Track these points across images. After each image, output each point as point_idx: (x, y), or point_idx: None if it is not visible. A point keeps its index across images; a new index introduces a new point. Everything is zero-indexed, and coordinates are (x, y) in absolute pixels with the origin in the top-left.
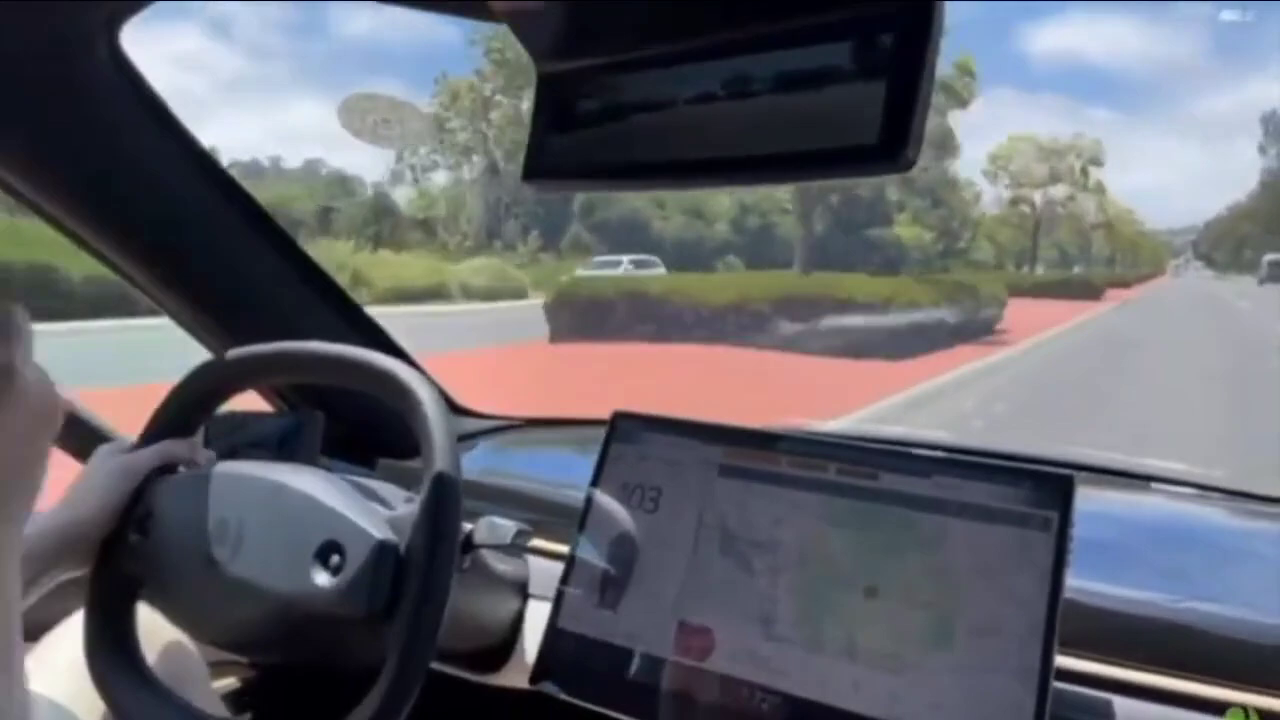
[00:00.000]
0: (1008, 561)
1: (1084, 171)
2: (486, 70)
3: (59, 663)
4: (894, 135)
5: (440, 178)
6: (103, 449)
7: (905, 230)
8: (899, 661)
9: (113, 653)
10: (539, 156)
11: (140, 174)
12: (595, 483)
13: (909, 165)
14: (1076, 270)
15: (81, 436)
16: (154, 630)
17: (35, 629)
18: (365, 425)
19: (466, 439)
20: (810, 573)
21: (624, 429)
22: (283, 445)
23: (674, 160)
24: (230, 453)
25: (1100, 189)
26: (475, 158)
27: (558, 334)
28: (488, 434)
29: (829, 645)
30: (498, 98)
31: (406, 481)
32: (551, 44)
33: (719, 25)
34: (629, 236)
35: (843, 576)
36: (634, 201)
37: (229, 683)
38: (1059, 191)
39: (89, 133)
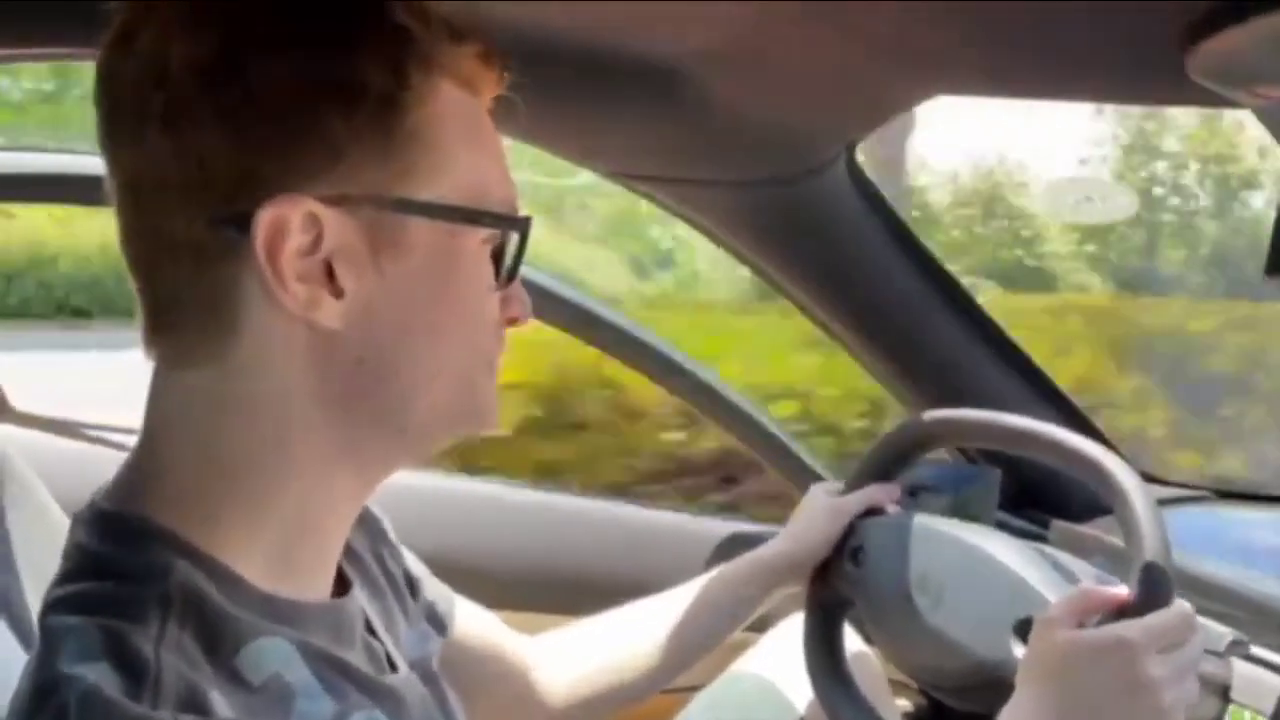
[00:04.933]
0: None
1: None
2: None
3: (777, 649)
4: None
5: None
6: (817, 489)
7: None
8: None
9: (824, 655)
10: None
11: (865, 261)
12: None
13: None
14: None
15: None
16: (847, 638)
17: (761, 622)
18: (1038, 482)
19: None
20: None
21: None
22: (957, 493)
23: None
24: (910, 493)
25: None
26: None
27: None
28: (1169, 504)
29: None
30: None
31: (1083, 550)
32: None
33: None
34: None
35: None
36: None
37: (901, 703)
38: None
39: (829, 230)
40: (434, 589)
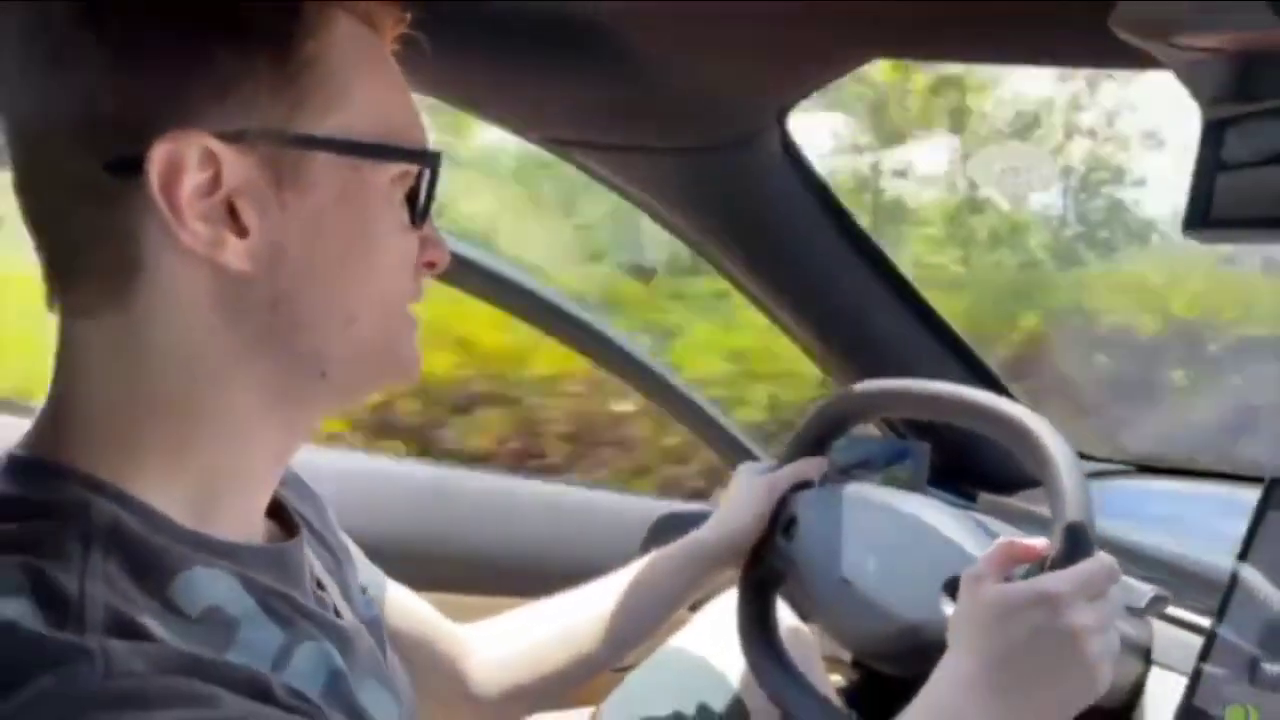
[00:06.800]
0: None
1: None
2: None
3: (710, 625)
4: None
5: None
6: (744, 468)
7: None
8: None
9: (757, 631)
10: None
11: (796, 234)
12: (1244, 556)
13: None
14: None
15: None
16: (782, 616)
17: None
18: (966, 456)
19: None
20: None
21: None
22: (887, 468)
23: None
24: (843, 469)
25: None
26: None
27: None
28: (1094, 477)
29: None
30: None
31: (1009, 520)
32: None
33: None
34: None
35: None
36: None
37: (834, 679)
38: None
39: (760, 201)
40: (365, 572)
